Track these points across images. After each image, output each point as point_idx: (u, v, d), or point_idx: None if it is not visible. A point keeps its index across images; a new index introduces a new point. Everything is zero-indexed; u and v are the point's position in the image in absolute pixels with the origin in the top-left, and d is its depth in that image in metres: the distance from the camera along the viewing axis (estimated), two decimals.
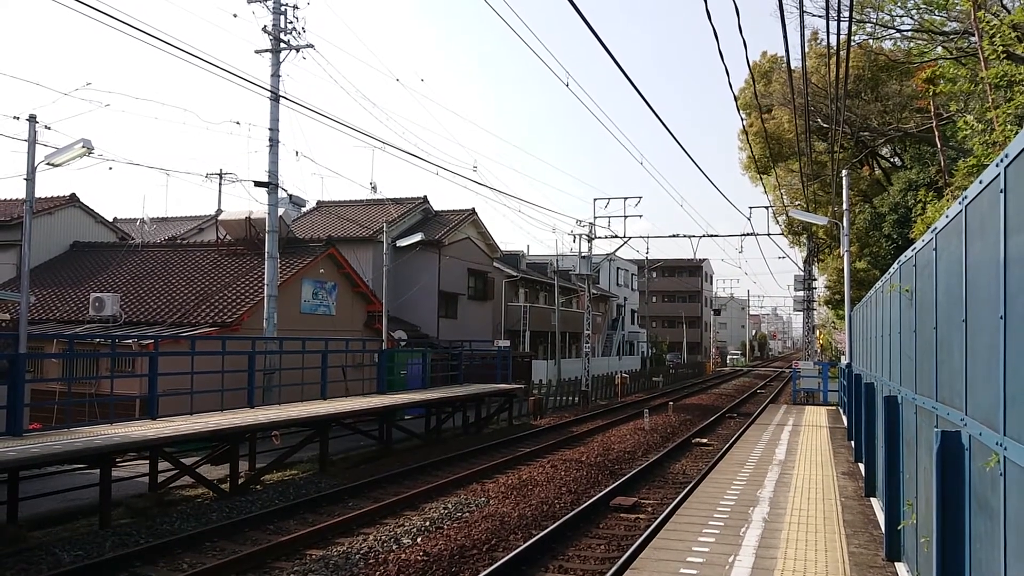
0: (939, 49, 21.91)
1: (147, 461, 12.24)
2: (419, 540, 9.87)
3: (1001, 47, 11.59)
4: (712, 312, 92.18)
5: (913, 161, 26.86)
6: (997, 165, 3.19)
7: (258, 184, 18.42)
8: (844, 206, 21.54)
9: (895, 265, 7.29)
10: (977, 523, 3.54)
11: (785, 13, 10.08)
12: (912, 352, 5.89)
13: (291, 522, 11.00)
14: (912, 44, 25.02)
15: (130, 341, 17.40)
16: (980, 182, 3.52)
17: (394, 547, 9.54)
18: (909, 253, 6.16)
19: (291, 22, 18.50)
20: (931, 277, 4.94)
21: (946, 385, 4.41)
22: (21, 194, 18.82)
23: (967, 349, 3.76)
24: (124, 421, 12.46)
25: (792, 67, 17.82)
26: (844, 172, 21.84)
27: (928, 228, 5.45)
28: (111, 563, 8.62)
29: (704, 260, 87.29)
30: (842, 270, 23.77)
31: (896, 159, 33.41)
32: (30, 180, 12.11)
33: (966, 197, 3.84)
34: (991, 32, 11.80)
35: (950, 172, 18.39)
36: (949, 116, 20.55)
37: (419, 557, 8.96)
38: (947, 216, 4.42)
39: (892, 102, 26.99)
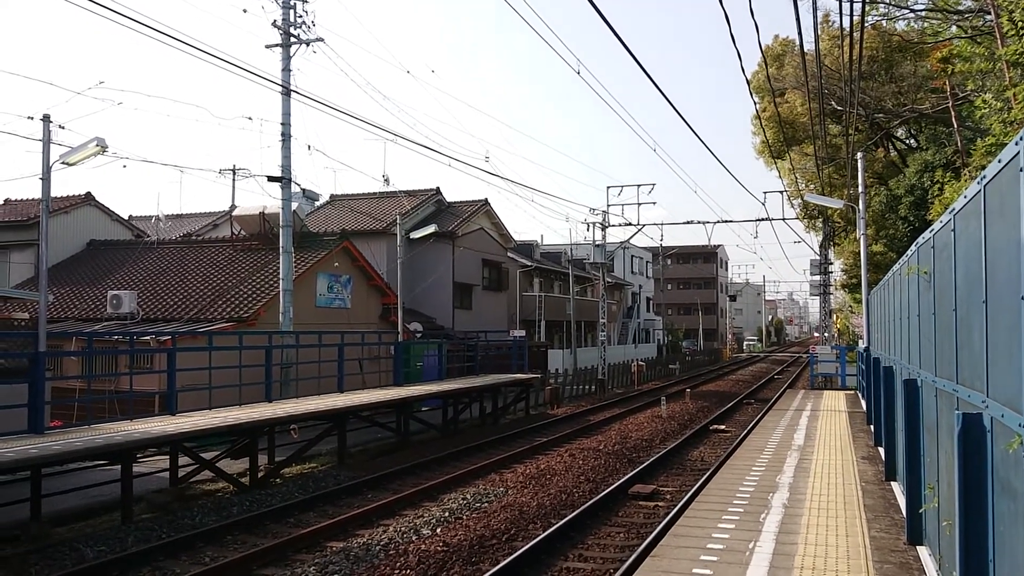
0: (953, 28, 21.62)
1: (167, 456, 12.39)
2: (439, 531, 9.91)
3: (1020, 23, 11.42)
4: (728, 298, 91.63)
5: (929, 142, 26.57)
6: (1016, 143, 3.14)
7: (271, 179, 18.45)
8: (860, 189, 21.34)
9: (913, 247, 7.21)
10: (1000, 505, 3.50)
11: None
12: (931, 334, 5.83)
13: (311, 515, 11.07)
14: (926, 24, 24.74)
15: (148, 338, 17.54)
16: (999, 161, 3.46)
17: (414, 538, 9.59)
18: (927, 235, 6.09)
19: (300, 16, 18.45)
20: (950, 258, 4.87)
21: (966, 367, 4.36)
22: (37, 194, 18.99)
23: (987, 330, 3.71)
24: (144, 417, 12.57)
25: (805, 49, 17.65)
26: (859, 154, 21.61)
27: (946, 209, 5.38)
28: (134, 558, 8.72)
29: (719, 246, 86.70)
30: (858, 253, 23.58)
31: (911, 140, 33.06)
32: (45, 179, 12.19)
33: (985, 177, 3.78)
34: (1009, 8, 11.63)
35: (967, 152, 18.19)
36: (965, 96, 20.31)
37: (439, 547, 9.00)
38: (965, 196, 4.36)
39: (907, 83, 26.67)
